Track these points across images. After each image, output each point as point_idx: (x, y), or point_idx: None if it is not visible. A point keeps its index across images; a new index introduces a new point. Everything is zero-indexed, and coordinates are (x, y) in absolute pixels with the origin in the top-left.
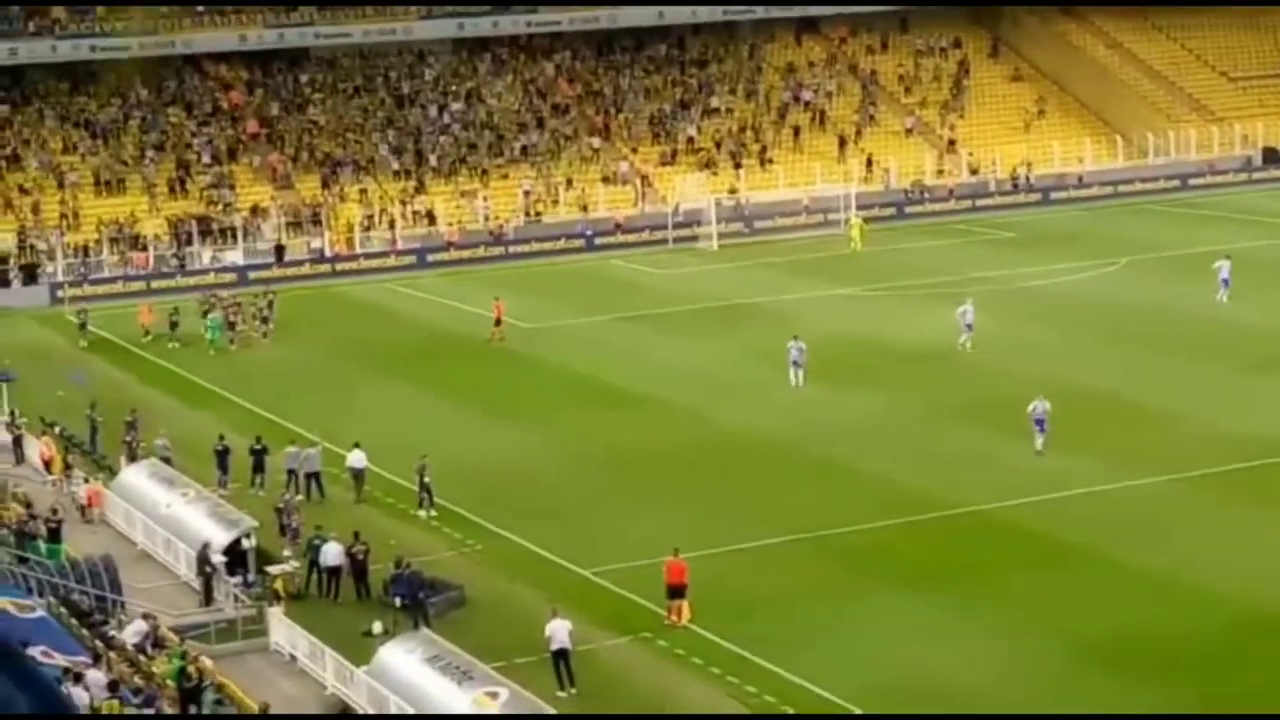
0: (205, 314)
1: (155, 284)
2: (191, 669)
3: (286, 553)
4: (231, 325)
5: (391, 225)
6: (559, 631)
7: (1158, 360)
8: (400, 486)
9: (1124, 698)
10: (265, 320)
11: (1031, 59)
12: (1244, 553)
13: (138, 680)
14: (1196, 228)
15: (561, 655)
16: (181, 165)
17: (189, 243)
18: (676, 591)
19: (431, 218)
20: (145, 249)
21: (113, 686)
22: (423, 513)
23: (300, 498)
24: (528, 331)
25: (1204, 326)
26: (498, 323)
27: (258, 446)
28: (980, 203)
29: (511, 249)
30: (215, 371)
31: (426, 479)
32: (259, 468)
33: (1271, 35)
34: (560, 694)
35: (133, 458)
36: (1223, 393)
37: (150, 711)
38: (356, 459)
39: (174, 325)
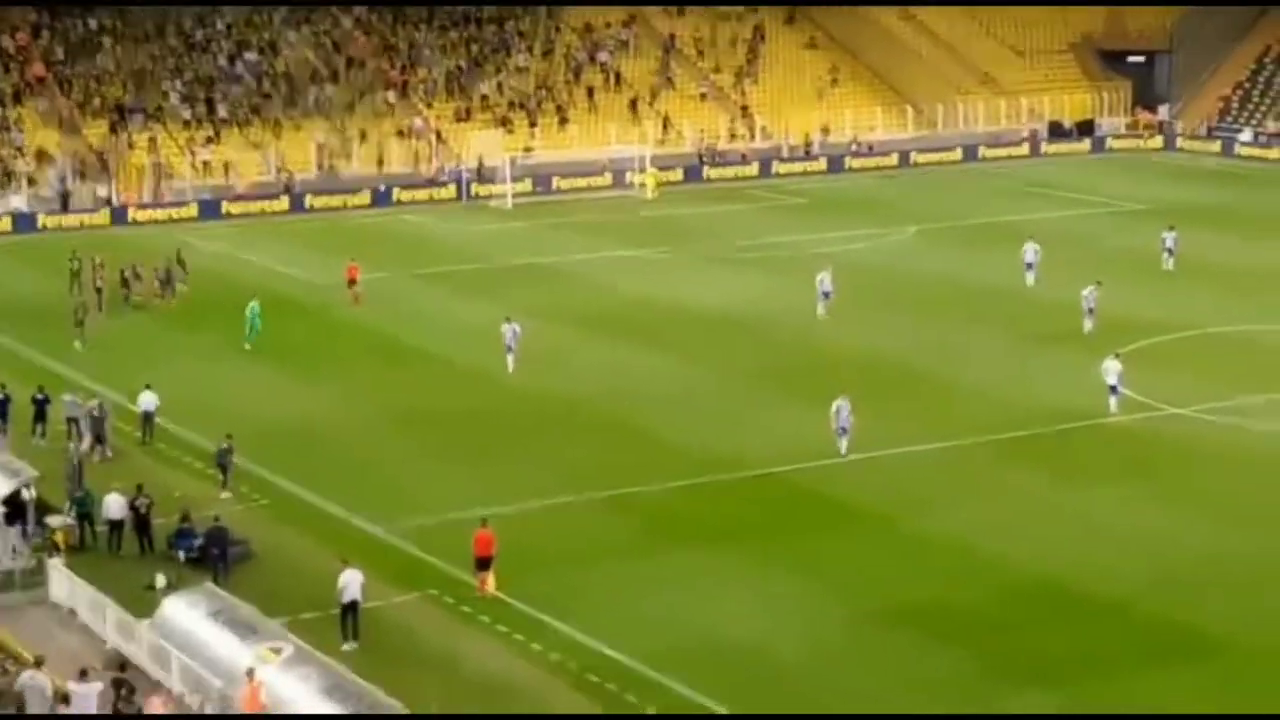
0: (251, 304)
1: None
2: None
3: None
4: (125, 284)
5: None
6: (352, 583)
7: (944, 328)
8: (186, 441)
9: (905, 660)
10: (168, 282)
11: (826, 27)
12: (1021, 519)
13: None
14: (985, 199)
15: (351, 608)
16: None
17: None
18: (484, 563)
19: (224, 169)
20: None
21: None
22: (225, 493)
23: (84, 447)
24: (321, 287)
25: (991, 296)
26: (352, 283)
27: (39, 395)
28: (773, 168)
29: (302, 202)
30: None
31: (229, 460)
32: (40, 417)
33: (1061, 12)
34: (345, 647)
35: None
36: (1006, 362)
37: None
38: (147, 401)
39: None
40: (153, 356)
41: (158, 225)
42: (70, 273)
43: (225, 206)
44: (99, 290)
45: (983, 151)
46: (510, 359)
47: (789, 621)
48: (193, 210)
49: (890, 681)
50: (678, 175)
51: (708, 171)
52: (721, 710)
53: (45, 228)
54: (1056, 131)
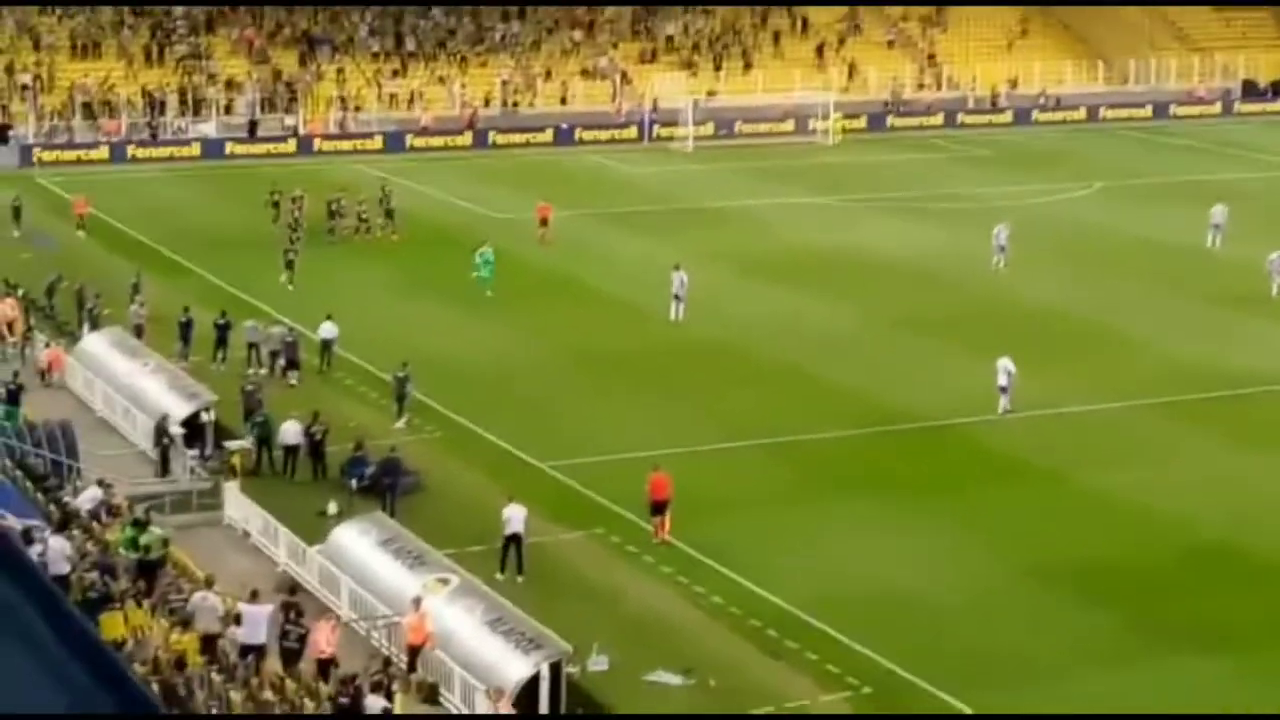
0: (482, 250)
1: (130, 150)
2: (145, 539)
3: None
4: (332, 215)
5: (357, 108)
6: (515, 517)
7: (1125, 286)
8: (362, 369)
9: (1064, 616)
10: (389, 215)
11: None
12: (1195, 481)
13: (90, 546)
14: (1173, 157)
15: (514, 540)
16: (159, 34)
17: (162, 112)
18: (659, 507)
19: (409, 102)
20: (116, 116)
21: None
22: (400, 423)
23: (264, 372)
24: (500, 222)
25: (1176, 256)
26: (544, 223)
27: (221, 321)
28: (958, 119)
29: (485, 138)
30: (182, 243)
31: (406, 390)
32: (222, 342)
33: None
34: (498, 577)
35: (95, 325)
36: (1187, 323)
37: (108, 580)
38: (327, 330)
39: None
40: (338, 289)
41: (342, 156)
42: (270, 204)
43: (409, 140)
44: (294, 225)
45: (1173, 109)
46: (677, 307)
47: (950, 573)
48: (378, 143)
49: (1048, 636)
50: (862, 123)
51: (892, 120)
52: (882, 659)
53: (233, 155)
54: (1250, 90)
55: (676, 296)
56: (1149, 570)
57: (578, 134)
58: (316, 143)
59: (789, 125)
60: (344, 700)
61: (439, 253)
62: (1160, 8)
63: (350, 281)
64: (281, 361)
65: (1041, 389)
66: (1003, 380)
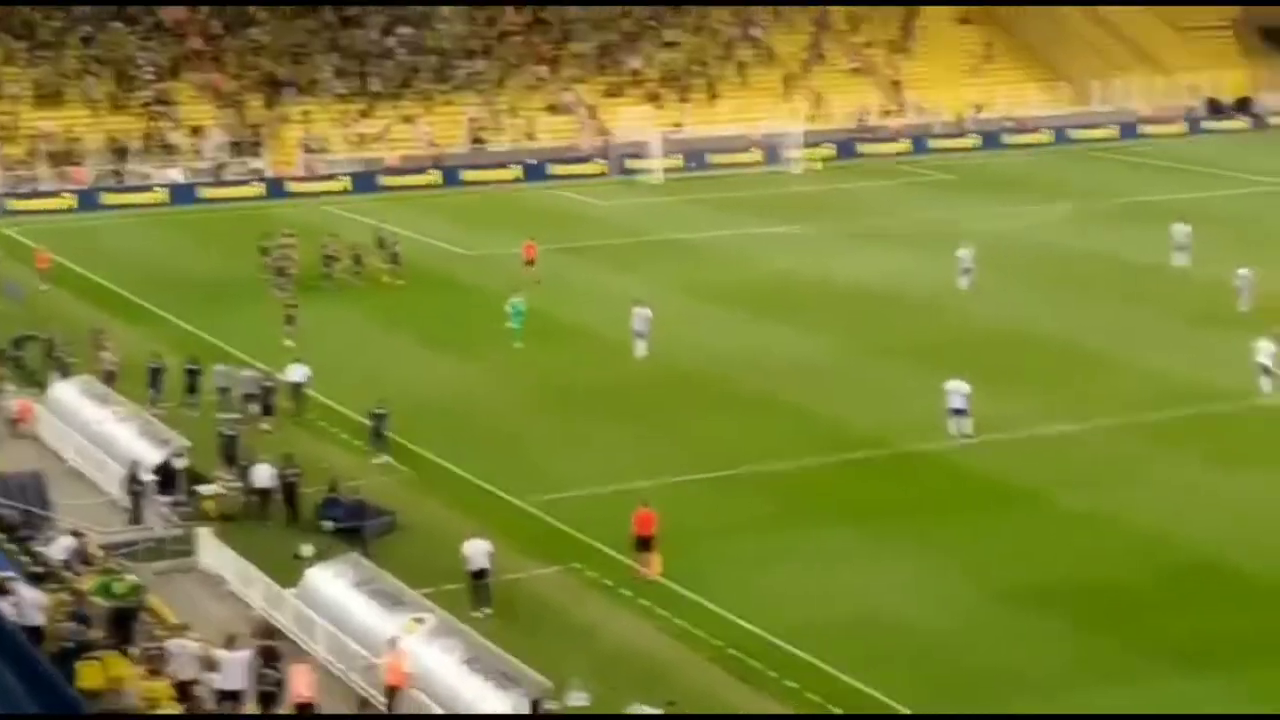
0: (513, 300)
1: (96, 198)
2: (119, 588)
3: (219, 474)
4: (327, 262)
5: (324, 149)
6: (477, 552)
7: (1095, 307)
8: (335, 411)
9: (1049, 638)
10: (395, 259)
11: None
12: (1173, 500)
13: (64, 596)
14: (1140, 177)
15: (479, 575)
16: (123, 80)
17: (127, 159)
18: (644, 543)
19: (375, 141)
20: (81, 164)
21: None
22: (380, 460)
23: (236, 417)
24: (466, 259)
25: (1145, 275)
26: (530, 262)
27: (191, 366)
28: (925, 144)
29: (454, 175)
30: (151, 289)
31: (383, 427)
32: (192, 388)
33: None
34: (475, 614)
35: (64, 373)
36: (1158, 341)
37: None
38: (297, 373)
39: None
40: (305, 330)
41: (310, 198)
42: (260, 250)
43: (378, 180)
44: (280, 271)
45: (1139, 129)
46: (639, 344)
47: (930, 598)
48: (345, 183)
49: (1031, 659)
50: (830, 151)
51: (860, 147)
52: (863, 687)
53: (200, 199)
54: (1215, 108)
55: (639, 333)
56: (1132, 590)
57: (546, 169)
58: (284, 185)
59: (757, 155)
60: None
61: (411, 293)
62: (1126, 31)
63: (325, 322)
64: (256, 407)
65: (1014, 411)
66: (958, 403)
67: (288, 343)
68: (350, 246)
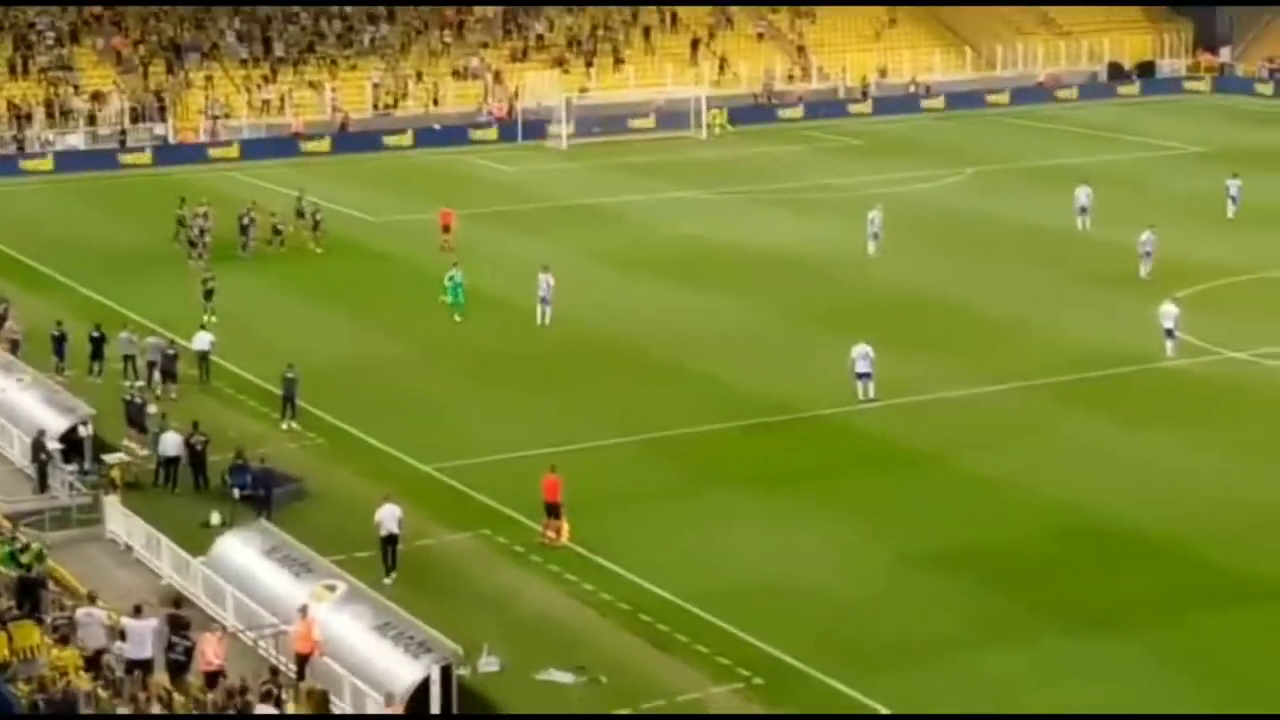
0: (451, 273)
1: None
2: (25, 557)
3: (127, 443)
4: (244, 233)
5: (227, 115)
6: (388, 517)
7: (1001, 271)
8: (239, 377)
9: (956, 602)
10: (317, 227)
11: None
12: (1077, 462)
13: None
14: (1043, 141)
15: (390, 541)
16: (22, 45)
17: (29, 125)
18: (552, 509)
19: (279, 108)
20: None
21: None
22: (285, 424)
23: (141, 384)
24: (375, 225)
25: (1049, 239)
26: (446, 229)
27: (96, 334)
28: (829, 110)
29: (358, 141)
30: (54, 256)
31: (294, 391)
32: (97, 355)
33: None
34: (385, 580)
35: None
36: (1065, 303)
37: None
38: (201, 340)
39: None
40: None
41: (214, 164)
42: (176, 220)
43: (281, 146)
44: (193, 241)
45: (1042, 93)
46: (543, 310)
47: (840, 563)
48: (249, 149)
49: (940, 624)
50: (723, 117)
51: (765, 112)
52: (773, 650)
53: (103, 166)
54: (1116, 73)
55: (543, 299)
56: (1035, 552)
57: (452, 135)
58: (187, 151)
59: (662, 121)
60: (231, 712)
61: (319, 259)
62: None
63: (235, 290)
64: (159, 375)
65: (919, 374)
66: (863, 366)
67: (208, 318)
68: (268, 214)
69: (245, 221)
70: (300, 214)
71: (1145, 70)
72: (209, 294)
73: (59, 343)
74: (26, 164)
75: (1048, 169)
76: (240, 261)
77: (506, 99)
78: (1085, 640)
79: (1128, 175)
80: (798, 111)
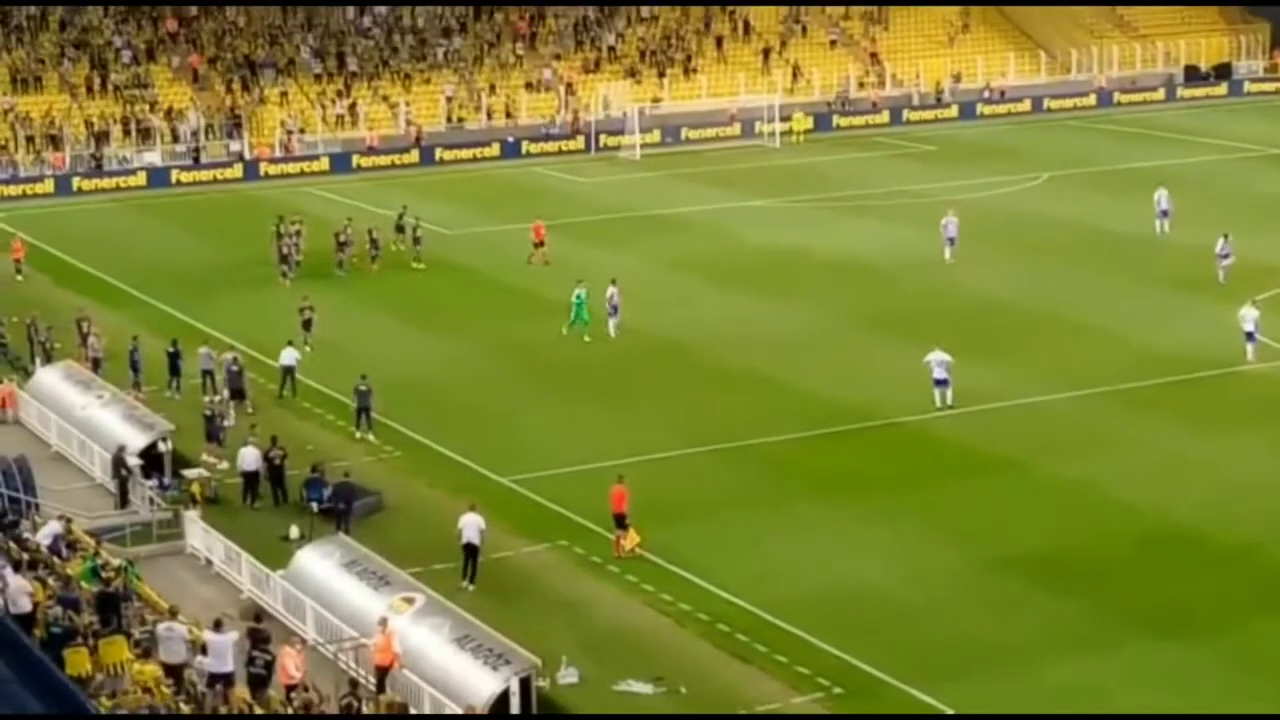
0: (577, 291)
1: (75, 183)
2: (107, 573)
3: (206, 457)
4: (341, 251)
5: (302, 130)
6: (469, 526)
7: (1079, 275)
8: (319, 392)
9: (1030, 606)
10: (417, 242)
11: None
12: (1153, 467)
13: (53, 582)
14: (1118, 144)
15: (469, 551)
16: (99, 64)
17: (106, 143)
18: (619, 520)
19: (353, 122)
20: (61, 148)
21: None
22: (360, 436)
23: (221, 399)
24: (452, 239)
25: (1125, 244)
26: (539, 245)
27: (172, 349)
28: (903, 116)
29: (432, 155)
30: (131, 273)
31: (368, 402)
32: (175, 370)
33: None
34: (462, 584)
35: (47, 359)
36: (1143, 308)
37: (72, 615)
38: (288, 356)
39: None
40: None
41: (289, 179)
42: (274, 235)
43: (356, 160)
44: (284, 259)
45: (1117, 97)
46: (612, 324)
47: (917, 570)
48: (324, 164)
49: (1017, 631)
50: (809, 124)
51: (838, 120)
52: (851, 659)
53: (179, 183)
54: (1193, 76)
55: (613, 311)
56: (1111, 558)
57: (524, 147)
58: (262, 167)
59: (735, 129)
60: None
61: (395, 273)
62: None
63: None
64: (232, 391)
65: (996, 380)
66: (940, 373)
67: (305, 349)
68: (365, 231)
69: (342, 239)
70: (400, 229)
71: (1222, 72)
72: (307, 324)
73: (136, 359)
74: (104, 181)
75: (1123, 173)
76: (330, 278)
77: (578, 110)
78: (1160, 646)
79: (1205, 178)
80: (872, 118)
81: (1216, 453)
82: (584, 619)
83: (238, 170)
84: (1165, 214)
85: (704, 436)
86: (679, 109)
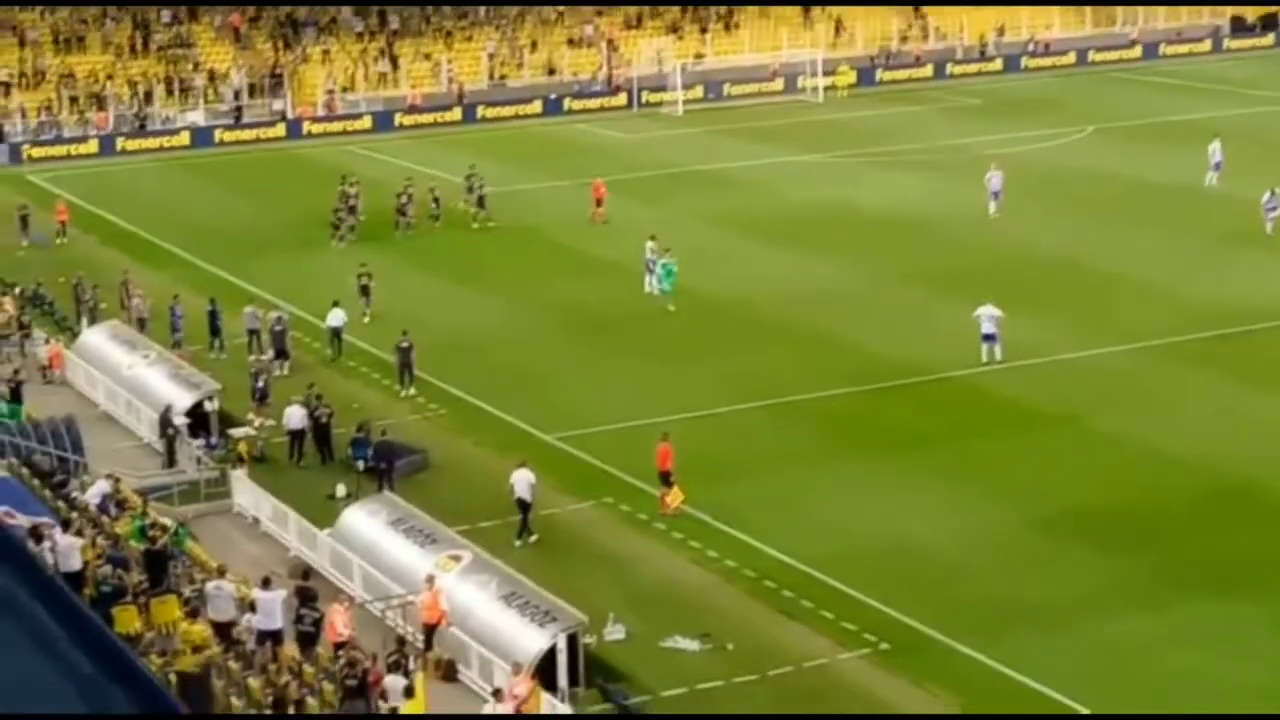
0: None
1: (119, 143)
2: (154, 532)
3: (251, 416)
4: (402, 212)
5: (345, 89)
6: (520, 482)
7: (1125, 228)
8: (363, 351)
9: (1083, 563)
10: (481, 203)
11: None
12: (1206, 421)
13: (102, 541)
14: (1164, 96)
15: (521, 506)
16: (141, 24)
17: (149, 102)
18: (664, 477)
19: (395, 80)
20: (105, 109)
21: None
22: (403, 390)
23: (267, 358)
24: (493, 196)
25: (1173, 196)
26: (599, 203)
27: (211, 309)
28: (947, 70)
29: (474, 112)
30: (175, 232)
31: (410, 359)
32: (215, 330)
33: None
34: (516, 543)
35: (93, 319)
36: (1191, 261)
37: (121, 573)
38: (335, 317)
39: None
40: (340, 273)
41: (331, 138)
42: (340, 196)
43: (398, 119)
44: (337, 223)
45: (1162, 49)
46: (650, 279)
47: (964, 524)
48: (366, 123)
49: (1066, 586)
50: (852, 78)
51: (881, 74)
52: (898, 615)
53: (221, 142)
54: (1239, 27)
55: (650, 268)
56: (1166, 513)
57: (566, 104)
58: (305, 126)
59: (778, 85)
60: (351, 681)
61: (449, 233)
62: None
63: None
64: (271, 350)
65: (1044, 335)
66: (989, 328)
67: (365, 318)
68: (427, 190)
69: (403, 200)
70: (470, 189)
71: (1269, 23)
72: (365, 290)
73: (177, 318)
74: (147, 141)
75: (1168, 125)
76: (382, 240)
77: (621, 66)
78: (1211, 605)
79: (1252, 130)
80: (915, 72)
81: (1268, 407)
82: (630, 576)
83: (280, 129)
84: (1218, 166)
85: (751, 392)
86: (721, 64)
